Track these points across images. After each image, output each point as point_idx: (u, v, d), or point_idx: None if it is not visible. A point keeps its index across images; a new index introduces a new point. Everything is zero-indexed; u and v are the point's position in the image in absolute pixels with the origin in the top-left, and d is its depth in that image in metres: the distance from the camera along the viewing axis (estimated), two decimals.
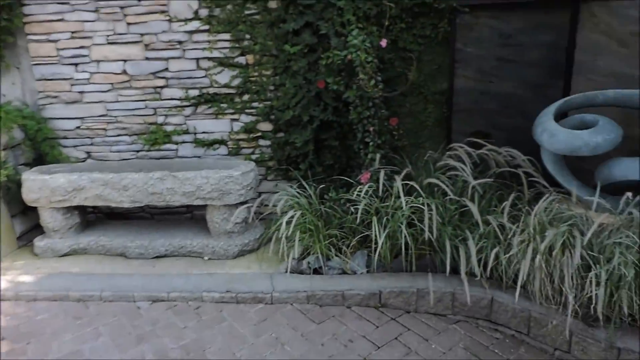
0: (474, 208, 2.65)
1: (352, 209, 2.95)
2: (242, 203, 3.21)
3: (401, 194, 2.77)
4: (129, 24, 3.54)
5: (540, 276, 2.39)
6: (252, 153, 3.74)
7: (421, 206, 2.69)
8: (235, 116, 3.67)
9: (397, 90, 3.40)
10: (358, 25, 3.15)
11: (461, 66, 3.37)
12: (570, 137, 2.53)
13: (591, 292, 2.25)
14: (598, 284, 2.23)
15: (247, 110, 3.65)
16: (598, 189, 2.56)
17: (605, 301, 2.23)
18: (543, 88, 3.26)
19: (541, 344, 2.45)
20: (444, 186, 2.78)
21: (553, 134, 2.57)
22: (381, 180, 2.89)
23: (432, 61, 3.37)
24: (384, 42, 3.07)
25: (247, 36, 3.49)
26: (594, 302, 2.25)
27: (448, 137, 3.49)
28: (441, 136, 3.52)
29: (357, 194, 2.91)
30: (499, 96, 3.34)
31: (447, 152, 3.17)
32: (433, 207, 2.67)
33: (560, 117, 2.81)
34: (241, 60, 3.55)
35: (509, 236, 2.53)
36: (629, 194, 2.44)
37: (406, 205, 2.72)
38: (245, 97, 3.62)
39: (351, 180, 3.19)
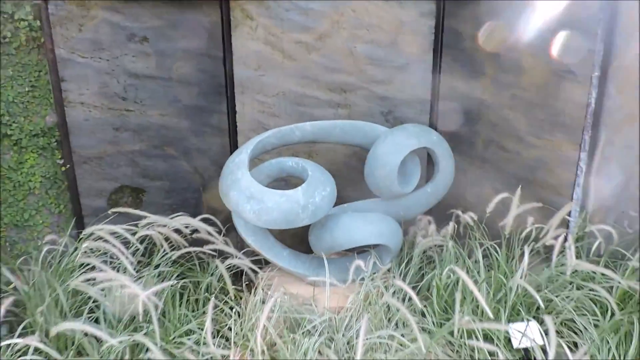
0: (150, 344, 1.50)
1: None
2: None
3: None
4: None
5: None
6: None
7: None
8: None
9: None
10: None
11: (74, 87, 2.05)
12: (283, 202, 1.69)
13: None
14: None
15: None
16: (326, 263, 1.83)
17: None
18: (204, 115, 2.30)
19: None
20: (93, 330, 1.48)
21: (260, 201, 1.67)
22: None
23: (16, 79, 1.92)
24: None
25: None
26: None
27: (76, 204, 2.14)
28: (62, 205, 2.14)
29: None
30: (145, 130, 2.21)
31: (83, 236, 1.87)
32: None
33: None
34: None
35: None
36: (360, 263, 1.80)
37: None
38: None
39: None
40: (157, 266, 1.94)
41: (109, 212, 1.98)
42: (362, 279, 1.85)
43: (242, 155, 1.77)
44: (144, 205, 2.28)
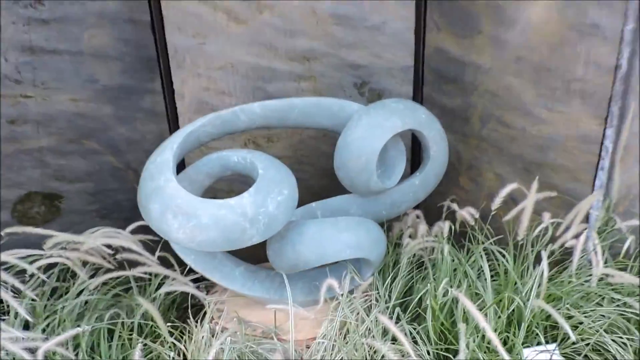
0: None
1: None
2: None
3: None
4: None
5: None
6: None
7: None
8: None
9: None
10: None
11: None
12: (223, 215, 1.24)
13: None
14: None
15: None
16: (288, 286, 1.41)
17: None
18: (132, 97, 1.82)
19: None
20: None
21: (191, 216, 1.22)
22: None
23: None
24: None
25: None
26: None
27: None
28: None
29: None
30: (53, 121, 1.72)
31: None
32: None
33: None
34: None
35: None
36: (333, 283, 1.39)
37: None
38: None
39: None
40: (80, 293, 1.50)
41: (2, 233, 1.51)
42: (337, 299, 1.44)
43: (166, 153, 1.31)
44: (63, 214, 1.83)
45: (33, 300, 1.41)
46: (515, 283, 1.51)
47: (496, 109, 1.76)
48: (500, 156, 1.80)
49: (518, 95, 1.68)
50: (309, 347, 1.43)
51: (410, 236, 1.72)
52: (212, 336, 1.46)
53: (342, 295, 1.39)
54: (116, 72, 1.77)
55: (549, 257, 1.50)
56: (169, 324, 1.42)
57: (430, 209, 1.98)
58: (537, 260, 1.52)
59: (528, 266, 1.54)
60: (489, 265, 1.55)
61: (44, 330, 1.37)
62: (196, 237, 1.23)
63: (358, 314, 1.45)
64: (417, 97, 1.94)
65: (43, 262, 1.41)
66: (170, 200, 1.24)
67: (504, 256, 1.54)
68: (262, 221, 1.27)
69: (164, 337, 1.38)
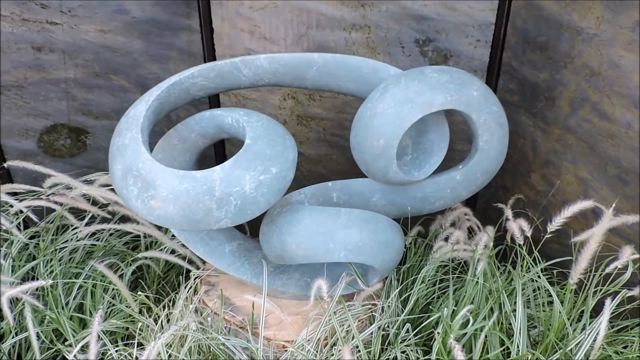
0: None
1: None
2: None
3: None
4: None
5: None
6: None
7: None
8: None
9: None
10: None
11: None
12: (185, 190, 1.04)
13: None
14: None
15: None
16: (265, 270, 1.20)
17: None
18: (166, 33, 1.65)
19: None
20: None
21: (150, 185, 1.04)
22: None
23: None
24: None
25: None
26: None
27: None
28: None
29: None
30: (80, 52, 1.62)
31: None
32: None
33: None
34: None
35: None
36: (322, 284, 1.14)
37: None
38: None
39: None
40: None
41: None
42: (326, 303, 1.20)
43: (139, 106, 1.12)
44: (89, 150, 1.77)
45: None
46: (562, 329, 1.14)
47: (594, 93, 1.30)
48: (588, 156, 1.36)
49: (629, 77, 1.22)
50: (285, 349, 1.22)
51: (446, 239, 1.39)
52: (197, 312, 1.32)
53: (330, 299, 1.15)
54: (148, 3, 1.61)
55: (616, 306, 1.10)
56: (149, 293, 1.29)
57: (489, 206, 1.61)
58: (600, 305, 1.13)
59: (585, 312, 1.15)
60: (534, 295, 1.19)
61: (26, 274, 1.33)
62: (154, 211, 1.05)
63: (348, 326, 1.20)
64: (494, 64, 1.53)
65: (34, 202, 1.34)
66: (132, 163, 1.06)
67: (551, 291, 1.16)
68: (234, 203, 1.05)
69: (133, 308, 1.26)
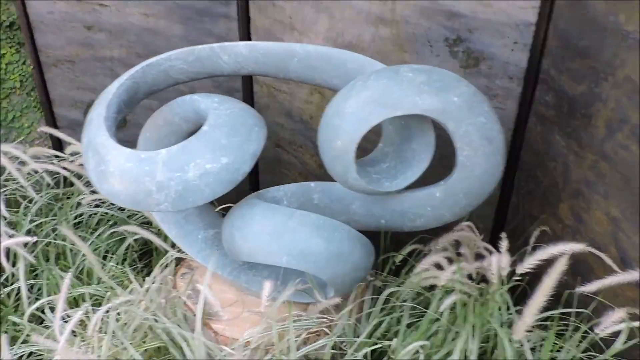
0: None
1: None
2: None
3: None
4: None
5: None
6: None
7: None
8: None
9: None
10: None
11: None
12: (129, 168, 1.05)
13: None
14: None
15: None
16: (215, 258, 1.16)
17: None
18: (204, 19, 1.69)
19: None
20: None
21: (101, 159, 1.06)
22: None
23: None
24: None
25: None
26: None
27: (48, 114, 1.86)
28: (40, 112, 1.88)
29: None
30: (124, 33, 1.73)
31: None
32: None
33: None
34: None
35: None
36: (268, 285, 1.08)
37: None
38: None
39: None
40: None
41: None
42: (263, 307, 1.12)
43: (113, 84, 1.16)
44: (128, 126, 1.89)
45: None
46: None
47: (634, 113, 1.04)
48: (622, 190, 1.09)
49: None
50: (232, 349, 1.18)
51: (438, 266, 1.22)
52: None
53: (266, 305, 1.07)
54: None
55: None
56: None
57: (514, 234, 1.39)
58: None
59: None
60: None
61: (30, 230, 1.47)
62: (103, 185, 1.07)
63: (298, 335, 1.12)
64: (531, 70, 1.30)
65: (46, 166, 1.46)
66: (92, 136, 1.10)
67: None
68: (174, 188, 1.03)
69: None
